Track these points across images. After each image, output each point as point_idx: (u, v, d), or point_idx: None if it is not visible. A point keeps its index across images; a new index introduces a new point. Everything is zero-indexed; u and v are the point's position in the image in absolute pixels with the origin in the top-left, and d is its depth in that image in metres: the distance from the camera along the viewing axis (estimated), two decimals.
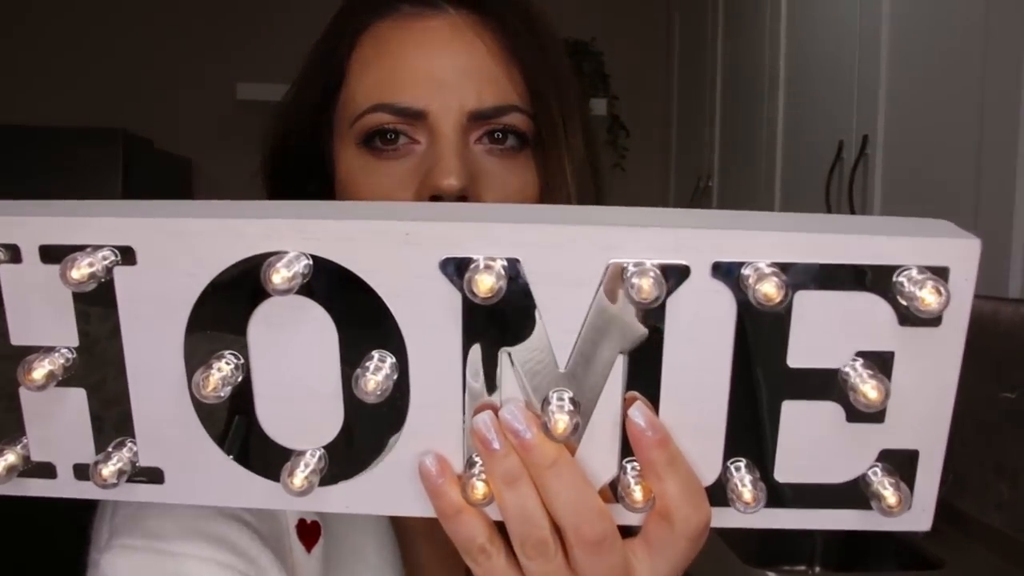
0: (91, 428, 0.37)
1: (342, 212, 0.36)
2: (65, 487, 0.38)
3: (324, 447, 0.37)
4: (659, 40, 2.68)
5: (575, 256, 0.33)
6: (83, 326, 0.36)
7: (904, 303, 0.32)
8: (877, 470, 0.35)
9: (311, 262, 0.34)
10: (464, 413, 0.35)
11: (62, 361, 0.36)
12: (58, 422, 0.37)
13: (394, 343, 0.35)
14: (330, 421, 0.36)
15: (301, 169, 0.56)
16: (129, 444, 0.37)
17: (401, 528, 0.56)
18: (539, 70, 0.51)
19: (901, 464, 0.35)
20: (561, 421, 0.33)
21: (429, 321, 0.34)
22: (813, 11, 1.69)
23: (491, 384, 0.35)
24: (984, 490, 1.53)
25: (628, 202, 0.39)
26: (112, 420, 0.37)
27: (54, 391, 0.37)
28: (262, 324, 0.35)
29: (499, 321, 0.34)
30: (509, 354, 0.34)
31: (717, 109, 2.20)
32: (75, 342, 0.36)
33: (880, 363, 0.34)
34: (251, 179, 0.58)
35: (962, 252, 0.32)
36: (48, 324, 0.36)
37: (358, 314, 0.35)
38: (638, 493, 0.35)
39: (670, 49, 2.64)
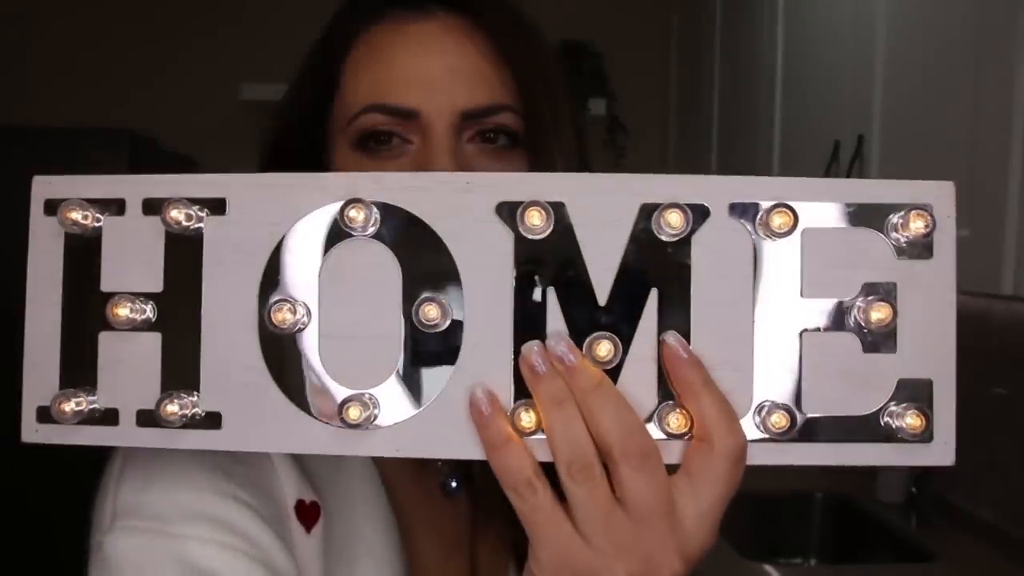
0: (160, 373, 0.40)
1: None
2: (125, 435, 0.41)
3: (379, 389, 0.40)
4: (658, 41, 2.69)
5: (612, 200, 0.39)
6: (169, 273, 0.40)
7: (897, 235, 0.39)
8: (896, 400, 0.39)
9: (380, 215, 0.39)
10: (513, 349, 0.39)
11: (145, 307, 0.40)
12: (129, 366, 0.41)
13: (452, 284, 0.39)
14: (387, 362, 0.40)
15: (298, 171, 0.57)
16: (193, 395, 0.40)
17: (402, 516, 0.56)
18: (529, 70, 0.52)
19: (919, 394, 0.39)
20: (603, 346, 0.38)
21: (484, 261, 0.39)
22: (810, 13, 1.71)
23: (539, 320, 0.39)
24: (976, 484, 1.55)
25: None
26: (181, 367, 0.40)
27: (132, 335, 0.40)
28: (333, 266, 0.40)
29: (546, 261, 0.39)
30: (555, 291, 0.39)
31: (715, 109, 2.22)
32: (160, 287, 0.40)
33: (885, 293, 0.39)
34: None
35: (940, 191, 0.39)
36: (137, 271, 0.40)
37: (422, 256, 0.39)
38: (676, 418, 0.38)
39: (668, 50, 2.66)
